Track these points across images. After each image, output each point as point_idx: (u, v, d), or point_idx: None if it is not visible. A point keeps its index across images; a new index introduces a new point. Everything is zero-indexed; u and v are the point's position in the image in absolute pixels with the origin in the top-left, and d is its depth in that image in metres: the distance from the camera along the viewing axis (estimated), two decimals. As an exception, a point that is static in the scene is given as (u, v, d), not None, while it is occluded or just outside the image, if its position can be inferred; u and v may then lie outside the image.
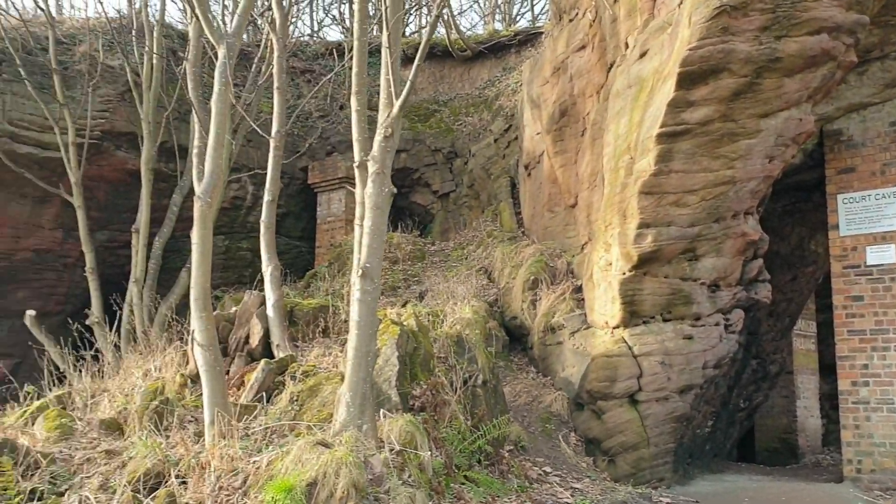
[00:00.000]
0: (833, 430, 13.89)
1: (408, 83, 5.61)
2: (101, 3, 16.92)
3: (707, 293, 8.27)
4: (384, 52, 5.83)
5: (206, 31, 7.11)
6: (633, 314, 8.25)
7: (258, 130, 10.13)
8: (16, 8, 13.28)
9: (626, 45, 9.08)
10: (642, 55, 8.39)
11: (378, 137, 5.82)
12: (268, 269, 8.74)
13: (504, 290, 10.89)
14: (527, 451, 7.67)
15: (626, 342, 8.24)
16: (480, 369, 7.67)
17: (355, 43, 6.42)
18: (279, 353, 8.16)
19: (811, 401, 13.61)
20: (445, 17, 19.07)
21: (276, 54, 9.23)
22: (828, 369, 13.64)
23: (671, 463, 8.24)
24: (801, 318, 12.97)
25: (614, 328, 8.47)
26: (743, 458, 13.11)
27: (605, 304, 8.61)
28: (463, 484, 6.23)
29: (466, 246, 13.89)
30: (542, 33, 15.19)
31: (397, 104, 5.68)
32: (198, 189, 7.06)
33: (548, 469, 7.38)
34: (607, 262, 8.49)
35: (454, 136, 16.51)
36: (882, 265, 8.67)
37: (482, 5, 27.13)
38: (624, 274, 8.16)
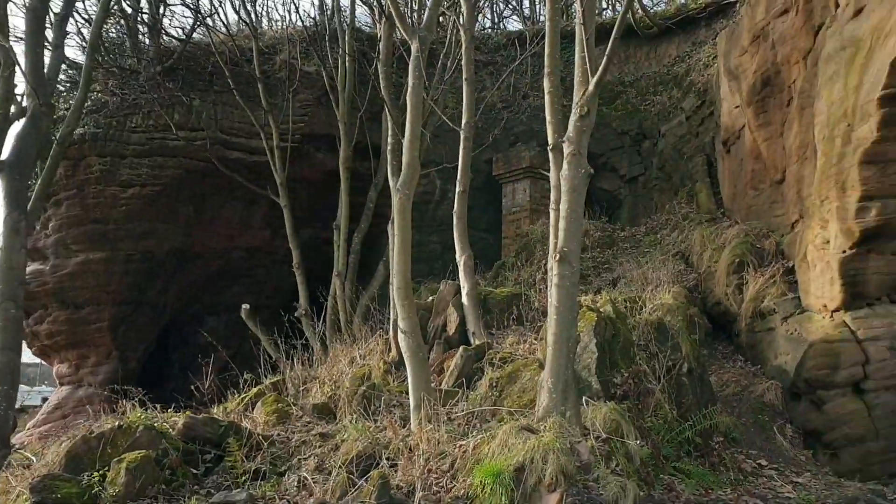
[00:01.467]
0: None
1: (605, 59, 5.42)
2: (298, 13, 17.90)
3: (946, 271, 7.41)
4: (578, 29, 5.67)
5: (399, 27, 7.30)
6: (855, 296, 7.55)
7: (448, 123, 10.31)
8: (224, 24, 14.36)
9: (837, 4, 8.31)
10: (857, 13, 7.65)
11: (573, 117, 5.68)
12: (461, 258, 8.85)
13: (705, 275, 10.35)
14: (738, 443, 7.22)
15: (848, 326, 7.55)
16: (685, 357, 7.32)
17: (547, 24, 6.31)
18: (475, 341, 8.24)
19: None
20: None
21: (464, 45, 9.31)
22: None
23: (907, 459, 7.46)
24: None
25: (834, 311, 7.78)
26: None
27: (822, 286, 7.94)
28: (672, 475, 5.95)
29: (659, 230, 13.37)
30: (735, 2, 14.29)
31: (593, 81, 5.50)
32: (396, 183, 7.27)
33: (763, 462, 6.90)
34: (824, 239, 7.82)
35: (641, 116, 15.95)
36: None
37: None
38: (844, 252, 7.47)
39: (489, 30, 21.23)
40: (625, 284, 10.94)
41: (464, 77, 9.18)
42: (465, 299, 8.59)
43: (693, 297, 10.24)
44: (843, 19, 7.90)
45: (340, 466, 5.65)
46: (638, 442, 5.82)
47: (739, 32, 10.87)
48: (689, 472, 6.03)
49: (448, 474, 5.23)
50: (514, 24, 29.42)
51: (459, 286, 8.75)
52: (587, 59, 5.51)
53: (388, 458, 5.70)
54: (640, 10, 17.47)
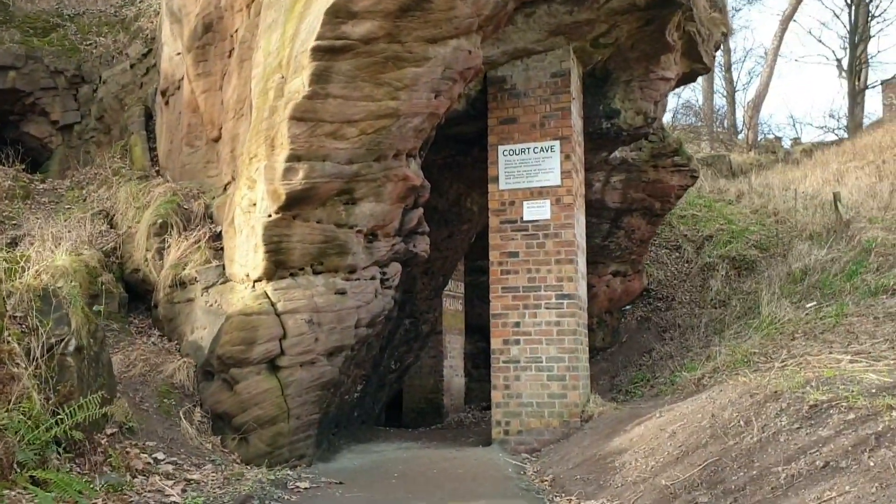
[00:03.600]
0: (474, 388, 14.15)
1: None
2: None
3: (364, 243, 7.27)
4: None
5: None
6: (279, 265, 6.96)
7: None
8: None
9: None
10: (302, -41, 7.06)
11: None
12: None
13: (125, 237, 8.95)
14: (135, 435, 6.03)
15: (268, 298, 6.91)
16: (74, 332, 5.83)
17: None
18: None
19: (457, 360, 13.63)
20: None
21: None
22: (472, 329, 13.82)
23: (314, 437, 7.13)
24: (451, 278, 12.81)
25: (256, 281, 7.10)
26: (390, 419, 12.66)
27: (246, 254, 7.21)
28: (25, 489, 4.47)
29: (87, 185, 11.55)
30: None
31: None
32: None
33: (160, 455, 5.82)
34: (251, 201, 7.09)
35: (81, 57, 13.80)
36: (537, 221, 8.41)
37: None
38: (270, 216, 6.82)
39: None
40: (31, 244, 8.95)
41: None
42: None
43: (110, 263, 8.79)
44: (286, -35, 7.26)
45: None
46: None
47: (186, -31, 9.70)
48: (50, 482, 4.60)
49: None
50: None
51: None
52: None
53: None
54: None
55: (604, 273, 14.07)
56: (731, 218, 16.84)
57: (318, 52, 6.26)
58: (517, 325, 8.32)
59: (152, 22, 13.48)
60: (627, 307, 15.02)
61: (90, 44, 14.07)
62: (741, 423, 5.22)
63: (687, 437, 5.52)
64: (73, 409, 5.20)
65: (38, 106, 13.49)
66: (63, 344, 5.70)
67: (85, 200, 10.91)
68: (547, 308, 8.29)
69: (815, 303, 10.78)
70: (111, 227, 9.70)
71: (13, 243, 9.16)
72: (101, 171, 11.73)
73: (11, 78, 13.17)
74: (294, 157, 6.55)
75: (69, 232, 9.22)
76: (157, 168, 10.89)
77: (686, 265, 15.80)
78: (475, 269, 13.58)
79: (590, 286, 12.54)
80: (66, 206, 10.84)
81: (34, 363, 5.35)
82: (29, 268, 6.39)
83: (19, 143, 13.05)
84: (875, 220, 14.11)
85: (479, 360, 14.11)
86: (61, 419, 5.12)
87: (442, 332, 12.95)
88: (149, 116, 11.98)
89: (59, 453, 5.04)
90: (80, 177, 12.06)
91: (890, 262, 11.43)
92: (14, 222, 10.28)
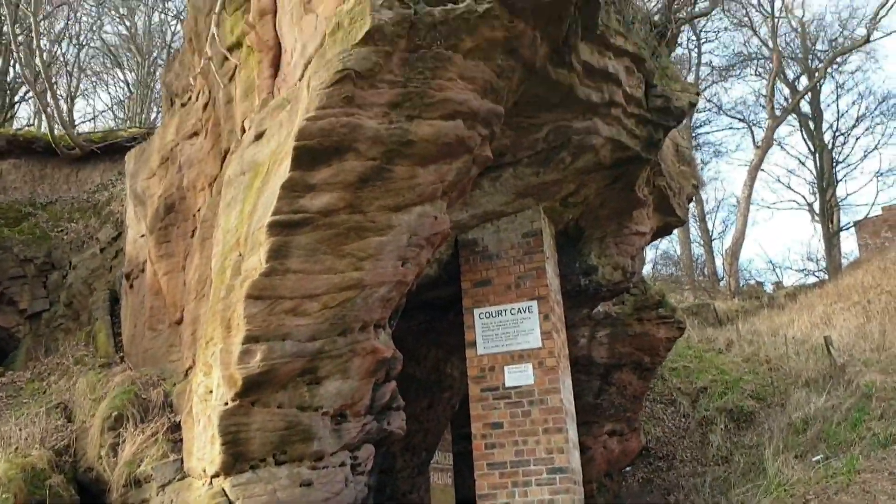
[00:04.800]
0: (471, 572, 13.01)
1: None
2: None
3: (331, 425, 6.68)
4: None
5: None
6: (237, 457, 6.32)
7: None
8: None
9: (243, 130, 7.63)
10: (258, 137, 6.97)
11: None
12: None
13: (80, 432, 8.32)
14: None
15: (226, 496, 6.22)
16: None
17: None
18: None
19: (448, 541, 12.60)
20: (49, 108, 16.56)
21: None
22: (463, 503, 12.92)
23: None
24: (437, 449, 12.06)
25: (214, 477, 6.43)
26: None
27: (204, 446, 6.60)
28: None
29: (47, 376, 10.98)
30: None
31: None
32: None
33: None
34: (207, 388, 6.57)
35: (52, 244, 13.72)
36: (520, 387, 7.91)
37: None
38: (227, 404, 6.27)
39: None
40: (-20, 447, 8.29)
41: None
42: None
43: (63, 462, 8.11)
44: (245, 143, 7.18)
45: None
46: None
47: (149, 153, 9.69)
48: None
49: None
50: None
51: None
52: None
53: None
54: (59, 126, 15.65)
55: (599, 433, 13.38)
56: (724, 368, 16.33)
57: (274, 228, 5.99)
58: (507, 505, 7.62)
59: (123, 205, 13.47)
60: (628, 468, 14.19)
61: (61, 230, 14.00)
62: None
63: None
64: None
65: (6, 296, 13.21)
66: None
67: (45, 393, 10.33)
68: (538, 485, 7.62)
69: (821, 456, 10.14)
70: (68, 421, 9.07)
71: (-40, 447, 8.49)
72: (63, 360, 11.23)
73: (-22, 270, 12.94)
74: (251, 339, 6.11)
75: (20, 430, 8.62)
76: (121, 354, 10.41)
77: (683, 420, 15.12)
78: (463, 437, 12.82)
79: (586, 448, 11.88)
80: (24, 401, 10.24)
81: None
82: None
83: (-15, 336, 12.65)
84: (870, 362, 13.68)
85: (472, 538, 13.06)
86: None
87: (430, 511, 12.03)
88: (115, 301, 11.63)
89: None
90: (42, 367, 11.52)
91: (894, 407, 10.89)
92: (-34, 422, 9.64)
